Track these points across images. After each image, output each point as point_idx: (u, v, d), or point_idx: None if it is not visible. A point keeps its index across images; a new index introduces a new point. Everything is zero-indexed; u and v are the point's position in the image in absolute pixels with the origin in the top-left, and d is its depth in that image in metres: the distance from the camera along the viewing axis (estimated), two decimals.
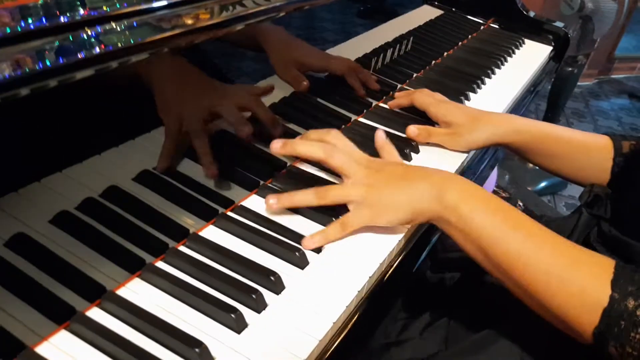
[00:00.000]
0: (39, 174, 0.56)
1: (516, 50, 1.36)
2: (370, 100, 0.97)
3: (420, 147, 0.86)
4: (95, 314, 0.52)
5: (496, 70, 1.22)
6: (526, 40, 1.43)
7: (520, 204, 1.24)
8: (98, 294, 0.53)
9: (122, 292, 0.55)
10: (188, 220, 0.64)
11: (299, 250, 0.61)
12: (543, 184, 2.49)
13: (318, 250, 0.63)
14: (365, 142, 0.76)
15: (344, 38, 1.02)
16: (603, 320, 0.53)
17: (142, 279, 0.57)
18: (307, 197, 0.66)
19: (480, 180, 1.26)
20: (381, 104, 0.98)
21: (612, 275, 0.54)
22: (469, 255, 0.64)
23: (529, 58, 1.34)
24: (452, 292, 0.90)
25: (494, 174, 1.76)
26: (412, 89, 0.97)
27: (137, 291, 0.55)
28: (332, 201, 0.66)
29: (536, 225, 0.60)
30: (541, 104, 2.88)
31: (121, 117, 0.64)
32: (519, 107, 1.16)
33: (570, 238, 0.66)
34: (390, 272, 0.66)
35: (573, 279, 0.55)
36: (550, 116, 2.59)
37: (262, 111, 0.75)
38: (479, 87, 1.12)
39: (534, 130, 0.84)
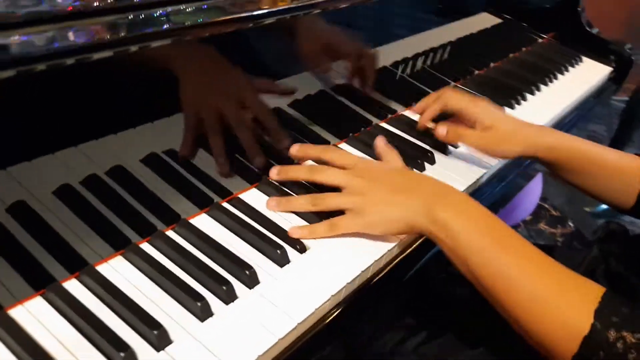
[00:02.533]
0: (54, 147, 0.59)
1: (570, 68, 1.31)
2: (395, 107, 0.96)
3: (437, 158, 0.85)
4: (72, 285, 0.55)
5: (542, 86, 1.18)
6: (584, 59, 1.38)
7: (571, 224, 1.21)
8: (79, 266, 0.56)
9: (102, 267, 0.57)
10: (183, 206, 0.66)
11: (281, 247, 0.62)
12: (603, 206, 2.38)
13: (302, 249, 0.64)
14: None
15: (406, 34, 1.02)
16: (582, 349, 0.52)
17: (124, 257, 0.59)
18: (304, 203, 0.68)
19: (513, 189, 1.22)
20: (406, 112, 0.97)
21: (597, 304, 0.53)
22: (461, 273, 0.63)
23: (583, 77, 1.29)
24: (458, 308, 0.89)
25: (537, 186, 1.70)
26: (438, 91, 0.89)
27: (117, 268, 0.58)
28: (327, 208, 0.67)
29: (527, 248, 0.59)
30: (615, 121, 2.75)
31: (143, 100, 0.66)
32: (560, 127, 1.12)
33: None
34: (376, 279, 0.66)
35: (556, 305, 0.55)
36: (621, 135, 2.47)
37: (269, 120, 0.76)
38: (517, 102, 1.09)
39: (568, 148, 0.81)
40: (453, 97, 0.85)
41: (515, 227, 1.89)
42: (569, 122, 1.16)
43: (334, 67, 0.88)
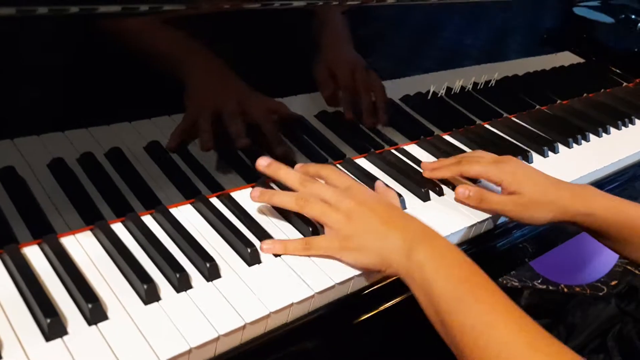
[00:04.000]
0: (64, 125, 0.60)
1: None
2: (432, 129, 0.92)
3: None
4: (31, 251, 0.55)
5: (611, 129, 1.08)
6: None
7: None
8: (45, 232, 0.57)
9: (67, 239, 0.58)
10: (169, 194, 0.65)
11: (252, 246, 0.59)
12: None
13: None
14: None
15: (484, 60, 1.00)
16: None
17: (92, 233, 0.59)
18: (288, 200, 0.64)
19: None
20: (445, 136, 0.92)
21: None
22: (431, 322, 0.57)
23: None
24: None
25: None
26: (458, 156, 0.81)
27: (82, 242, 0.58)
28: (310, 213, 0.63)
29: (503, 302, 0.53)
30: None
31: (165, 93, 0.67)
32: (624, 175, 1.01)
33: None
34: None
35: None
36: None
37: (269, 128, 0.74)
38: (577, 142, 1.00)
39: (609, 215, 0.72)
40: (472, 165, 0.76)
41: None
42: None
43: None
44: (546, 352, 0.48)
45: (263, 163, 0.66)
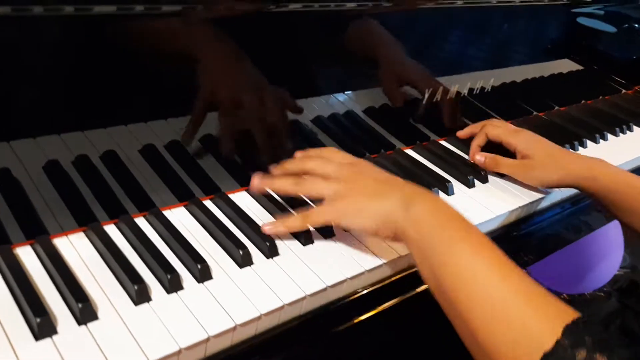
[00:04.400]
0: (62, 128, 0.61)
1: None
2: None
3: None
4: (23, 251, 0.56)
5: (609, 136, 1.08)
6: None
7: None
8: (38, 233, 0.57)
9: (60, 240, 0.58)
10: (163, 196, 0.66)
11: (244, 248, 0.60)
12: None
13: (271, 254, 0.61)
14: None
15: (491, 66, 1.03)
16: None
17: (85, 234, 0.59)
18: (286, 183, 0.64)
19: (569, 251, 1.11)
20: (441, 141, 0.92)
21: (568, 322, 0.46)
22: (424, 281, 0.57)
23: None
24: None
25: (617, 254, 1.54)
26: (482, 122, 0.91)
27: (74, 243, 0.58)
28: (310, 191, 0.64)
29: (500, 256, 0.53)
30: None
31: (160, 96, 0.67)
32: None
33: None
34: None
35: (520, 314, 0.48)
36: None
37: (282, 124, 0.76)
38: (573, 147, 1.00)
39: (615, 180, 0.77)
40: (494, 128, 0.86)
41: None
42: None
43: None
44: (544, 302, 0.48)
45: (256, 182, 0.66)
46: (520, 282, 0.50)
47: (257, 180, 0.65)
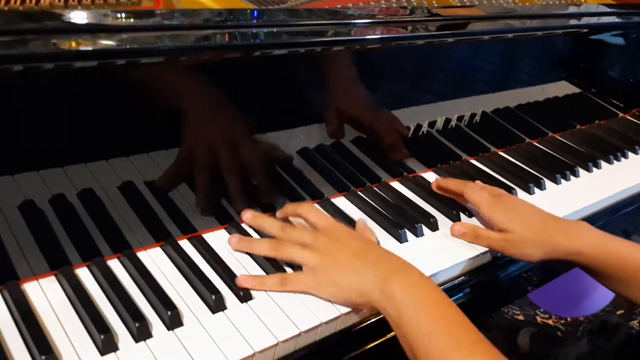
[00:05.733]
0: (40, 165, 0.60)
1: None
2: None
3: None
4: None
5: (603, 163, 1.06)
6: None
7: None
8: (7, 279, 0.56)
9: (29, 285, 0.57)
10: (139, 236, 0.65)
11: (217, 293, 0.59)
12: None
13: (245, 298, 0.60)
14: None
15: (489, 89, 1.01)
16: None
17: (56, 278, 0.59)
18: (265, 247, 0.65)
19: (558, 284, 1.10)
20: (423, 174, 0.91)
21: None
22: (405, 350, 0.57)
23: None
24: None
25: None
26: (464, 181, 0.84)
27: (44, 288, 0.57)
28: (287, 257, 0.64)
29: (473, 334, 0.54)
30: None
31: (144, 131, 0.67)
32: (616, 212, 0.99)
33: None
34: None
35: None
36: None
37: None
38: (565, 178, 0.98)
39: (597, 253, 0.72)
40: (470, 195, 0.79)
41: None
42: (631, 212, 1.02)
43: None
44: None
45: (248, 216, 0.70)
46: None
47: (235, 239, 0.67)
